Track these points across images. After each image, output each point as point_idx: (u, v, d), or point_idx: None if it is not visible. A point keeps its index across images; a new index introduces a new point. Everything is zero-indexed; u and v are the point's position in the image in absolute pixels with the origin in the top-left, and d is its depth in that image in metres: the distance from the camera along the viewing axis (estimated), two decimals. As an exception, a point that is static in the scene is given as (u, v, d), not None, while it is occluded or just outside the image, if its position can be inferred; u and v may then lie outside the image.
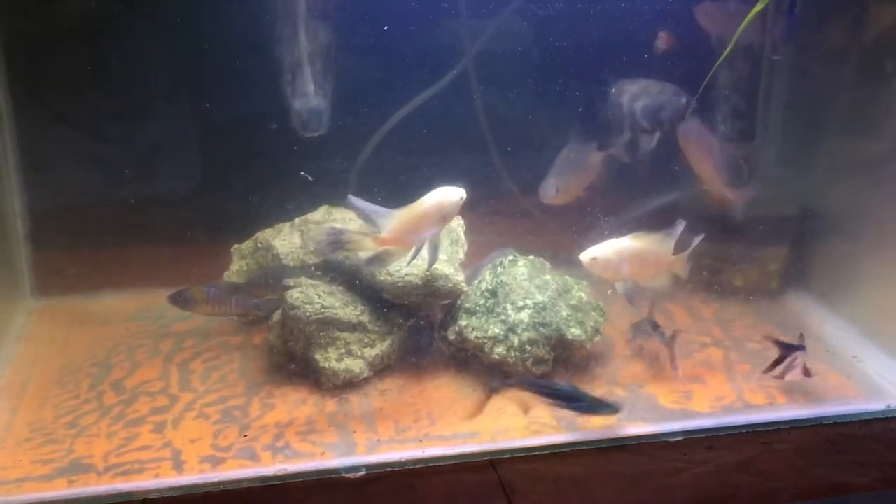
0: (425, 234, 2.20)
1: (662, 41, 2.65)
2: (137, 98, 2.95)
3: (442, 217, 2.18)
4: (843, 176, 2.98)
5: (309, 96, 2.61)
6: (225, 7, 2.73)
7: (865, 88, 2.84)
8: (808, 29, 2.91)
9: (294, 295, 2.49)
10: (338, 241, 2.21)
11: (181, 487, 2.08)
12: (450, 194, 2.18)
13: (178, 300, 2.64)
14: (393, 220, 2.17)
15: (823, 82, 3.04)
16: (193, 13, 2.74)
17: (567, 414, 2.36)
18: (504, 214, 2.94)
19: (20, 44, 2.82)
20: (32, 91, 2.89)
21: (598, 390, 2.49)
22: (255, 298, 2.67)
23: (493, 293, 2.58)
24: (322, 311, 2.47)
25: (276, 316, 2.59)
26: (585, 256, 2.37)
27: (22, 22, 2.80)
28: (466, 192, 2.23)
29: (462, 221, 2.80)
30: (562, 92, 2.68)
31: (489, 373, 2.50)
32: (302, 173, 2.56)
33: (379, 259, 2.22)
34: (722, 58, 2.51)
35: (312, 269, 2.64)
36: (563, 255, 2.85)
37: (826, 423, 2.39)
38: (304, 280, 2.55)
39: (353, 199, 2.17)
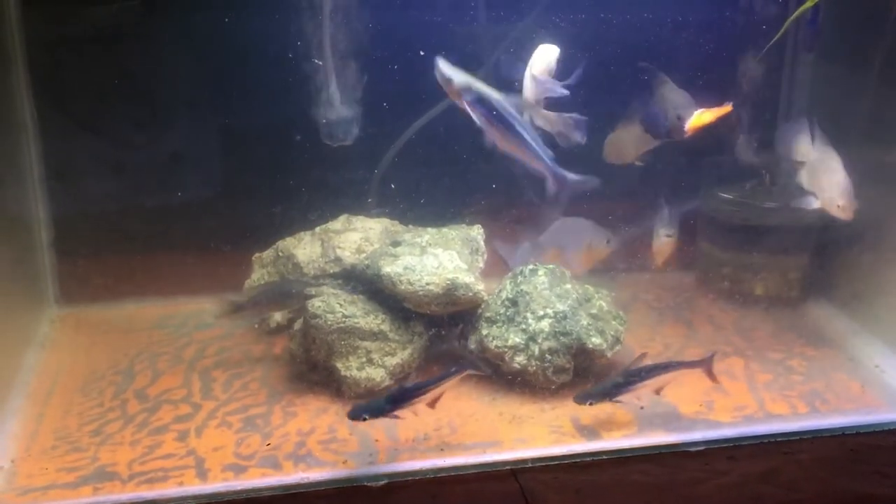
0: None
1: None
2: (161, 107, 2.99)
3: None
4: (865, 184, 2.96)
5: (336, 106, 2.63)
6: (251, 16, 2.75)
7: (888, 96, 2.82)
8: (830, 36, 2.90)
9: (315, 304, 2.50)
10: None
11: (205, 495, 2.09)
12: None
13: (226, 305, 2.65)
14: None
15: (845, 89, 3.02)
16: (218, 22, 2.76)
17: (588, 423, 2.36)
18: (525, 223, 2.94)
19: (44, 53, 2.85)
20: (56, 100, 2.92)
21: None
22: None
23: (514, 302, 2.58)
24: (343, 320, 2.48)
25: (298, 325, 2.60)
26: None
27: (45, 31, 2.83)
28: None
29: (482, 230, 2.80)
30: (584, 100, 2.68)
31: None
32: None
33: None
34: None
35: (331, 278, 2.66)
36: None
37: (849, 433, 2.37)
38: (325, 289, 2.57)
39: None
